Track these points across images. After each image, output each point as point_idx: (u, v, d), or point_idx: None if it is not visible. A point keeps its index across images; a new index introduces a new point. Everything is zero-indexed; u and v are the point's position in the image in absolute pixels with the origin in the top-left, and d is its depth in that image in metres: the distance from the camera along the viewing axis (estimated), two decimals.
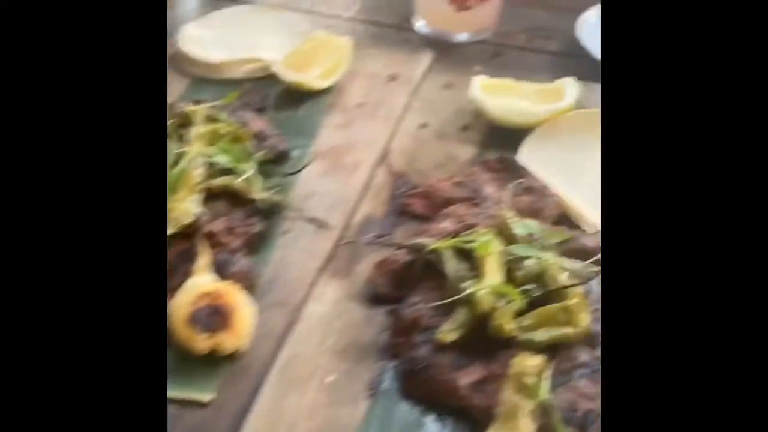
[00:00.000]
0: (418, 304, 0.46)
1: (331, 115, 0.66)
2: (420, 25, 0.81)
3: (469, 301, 0.43)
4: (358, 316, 0.48)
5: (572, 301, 0.42)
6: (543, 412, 0.38)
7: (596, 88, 0.69)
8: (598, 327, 0.43)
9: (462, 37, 0.80)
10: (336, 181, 0.59)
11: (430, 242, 0.48)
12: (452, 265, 0.46)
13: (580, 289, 0.44)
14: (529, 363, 0.37)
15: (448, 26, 0.79)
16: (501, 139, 0.62)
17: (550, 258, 0.45)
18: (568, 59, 0.75)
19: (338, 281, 0.50)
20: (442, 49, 0.77)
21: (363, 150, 0.62)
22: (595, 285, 0.45)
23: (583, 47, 0.74)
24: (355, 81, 0.71)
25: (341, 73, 0.70)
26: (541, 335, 0.42)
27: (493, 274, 0.44)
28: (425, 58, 0.75)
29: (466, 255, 0.47)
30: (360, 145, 0.62)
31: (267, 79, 0.68)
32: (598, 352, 0.43)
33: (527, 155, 0.59)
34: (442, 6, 0.77)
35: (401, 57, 0.75)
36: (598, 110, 0.64)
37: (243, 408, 0.42)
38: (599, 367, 0.42)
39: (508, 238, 0.48)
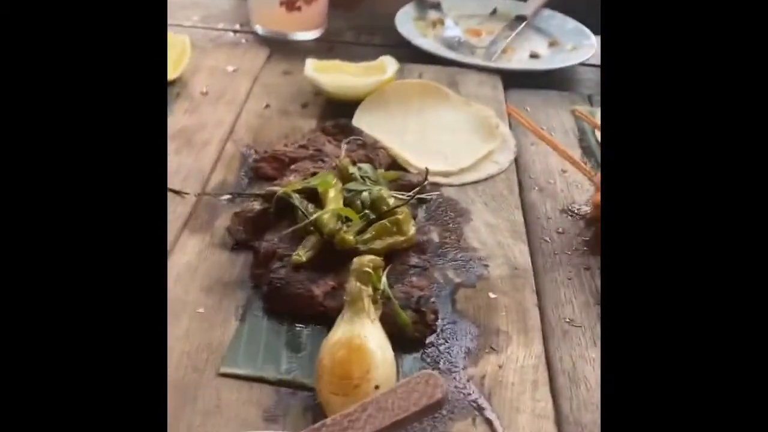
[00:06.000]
0: (273, 240, 0.52)
1: (178, 103, 0.71)
2: (257, 27, 0.89)
3: (315, 226, 0.50)
4: (221, 259, 0.53)
5: (400, 216, 0.51)
6: (384, 302, 0.46)
7: (413, 68, 0.81)
8: (422, 237, 0.53)
9: (295, 35, 0.88)
10: (188, 157, 0.64)
11: (279, 190, 0.55)
12: (299, 203, 0.53)
13: (405, 209, 0.53)
14: (366, 258, 0.45)
15: (282, 27, 0.88)
16: (337, 111, 0.71)
17: (381, 189, 0.54)
18: (389, 48, 0.87)
19: (200, 235, 0.55)
20: (279, 45, 0.86)
21: (211, 130, 0.67)
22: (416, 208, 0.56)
23: (402, 36, 0.86)
24: (199, 74, 0.76)
25: (183, 68, 0.75)
26: (379, 244, 0.50)
27: (334, 203, 0.52)
28: (263, 54, 0.82)
29: (311, 197, 0.54)
30: (208, 126, 0.68)
31: None
32: (425, 256, 0.52)
33: (359, 120, 0.68)
34: (274, 8, 0.86)
35: (240, 53, 0.82)
36: (414, 80, 0.75)
37: None
38: (427, 266, 0.51)
39: (346, 178, 0.56)
